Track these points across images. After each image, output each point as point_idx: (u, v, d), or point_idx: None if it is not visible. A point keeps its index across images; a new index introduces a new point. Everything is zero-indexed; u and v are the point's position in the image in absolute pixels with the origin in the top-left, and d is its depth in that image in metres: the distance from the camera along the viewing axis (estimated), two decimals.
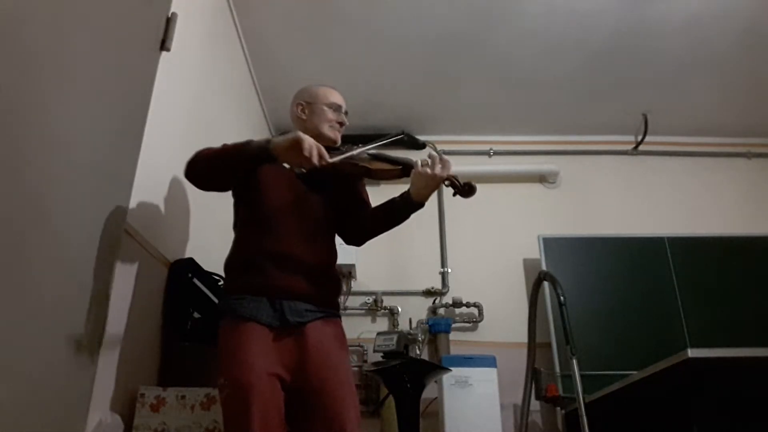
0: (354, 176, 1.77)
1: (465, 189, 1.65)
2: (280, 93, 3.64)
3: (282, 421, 1.48)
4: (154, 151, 1.92)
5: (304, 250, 1.63)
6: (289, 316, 1.56)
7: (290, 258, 1.61)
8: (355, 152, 1.66)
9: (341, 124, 1.84)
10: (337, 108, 1.83)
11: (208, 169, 1.63)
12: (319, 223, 1.71)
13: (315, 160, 1.47)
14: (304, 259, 1.62)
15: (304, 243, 1.64)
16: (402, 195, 1.68)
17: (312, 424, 1.49)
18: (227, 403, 1.47)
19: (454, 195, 1.68)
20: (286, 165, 1.61)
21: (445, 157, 1.64)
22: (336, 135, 1.82)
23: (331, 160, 1.53)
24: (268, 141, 1.53)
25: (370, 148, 1.73)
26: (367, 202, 1.85)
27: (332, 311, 1.66)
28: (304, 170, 1.54)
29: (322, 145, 1.78)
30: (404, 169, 1.69)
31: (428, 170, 1.60)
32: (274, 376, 1.48)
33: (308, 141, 1.48)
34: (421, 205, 1.66)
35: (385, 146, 1.76)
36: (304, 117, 1.83)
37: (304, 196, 1.70)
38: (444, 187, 1.66)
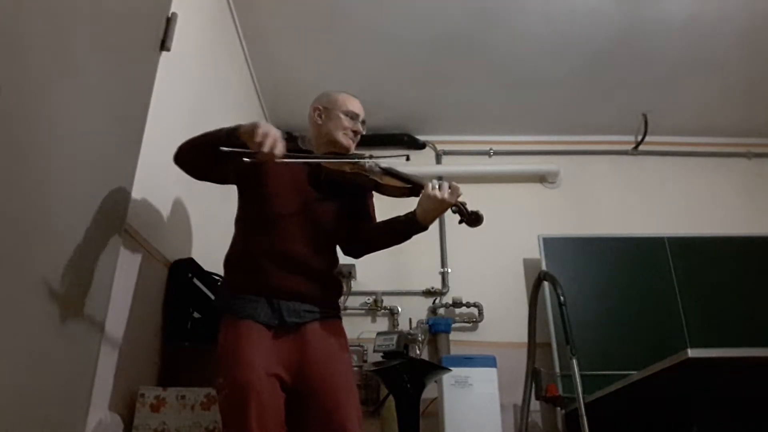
0: (362, 188, 1.74)
1: (472, 218, 1.63)
2: (280, 93, 3.64)
3: (281, 421, 1.46)
4: (154, 151, 1.92)
5: (305, 253, 1.62)
6: (287, 317, 1.55)
7: (291, 259, 1.59)
8: (343, 160, 1.64)
9: (356, 132, 1.81)
10: (353, 116, 1.81)
11: (191, 155, 1.62)
12: (323, 229, 1.68)
13: (266, 148, 1.41)
14: (304, 262, 1.61)
15: (307, 246, 1.62)
16: (407, 215, 1.65)
17: (313, 426, 1.48)
18: (225, 403, 1.45)
19: (460, 222, 1.65)
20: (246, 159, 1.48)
21: (455, 183, 1.62)
22: (349, 143, 1.80)
23: (285, 159, 1.47)
24: (237, 126, 1.51)
25: (381, 160, 1.72)
26: (372, 217, 1.83)
27: (332, 312, 1.65)
28: (246, 159, 1.43)
29: (335, 151, 1.77)
30: (413, 189, 1.67)
31: (438, 194, 1.58)
32: (273, 377, 1.47)
33: (264, 128, 1.43)
34: (425, 227, 1.64)
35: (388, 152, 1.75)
36: (319, 122, 1.82)
37: (312, 200, 1.68)
38: (451, 212, 1.64)
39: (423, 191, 1.62)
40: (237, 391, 1.42)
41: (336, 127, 1.79)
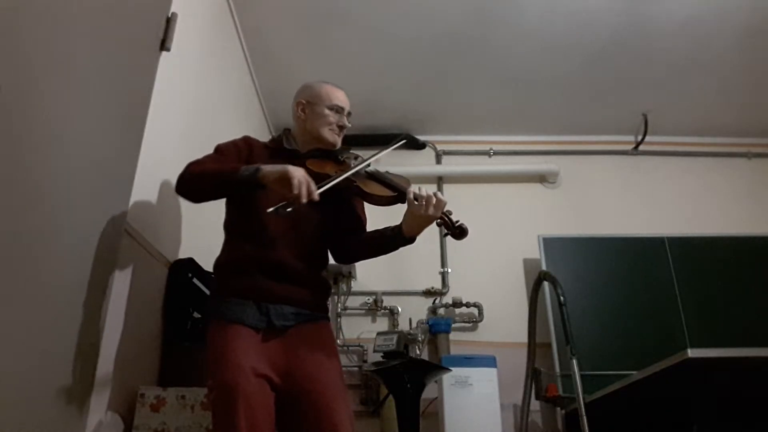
0: (348, 192, 1.70)
1: (456, 231, 1.60)
2: (280, 93, 3.64)
3: (272, 422, 1.46)
4: (154, 151, 1.92)
5: (291, 258, 1.61)
6: (275, 320, 1.55)
7: (277, 266, 1.59)
8: (349, 173, 1.60)
9: (342, 127, 1.76)
10: (339, 110, 1.76)
11: (197, 188, 1.62)
12: (311, 234, 1.67)
13: (303, 198, 1.41)
14: (291, 267, 1.60)
15: (292, 252, 1.61)
16: (393, 228, 1.63)
17: (304, 426, 1.48)
18: (215, 404, 1.45)
19: (445, 236, 1.63)
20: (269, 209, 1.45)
21: (440, 195, 1.57)
22: (336, 139, 1.75)
23: (319, 192, 1.46)
24: (257, 169, 1.49)
25: (369, 161, 1.68)
26: (362, 222, 1.79)
27: (320, 314, 1.65)
28: (288, 210, 1.42)
29: (321, 148, 1.74)
30: (398, 197, 1.64)
31: (422, 210, 1.54)
32: (262, 377, 1.46)
33: (298, 176, 1.43)
34: (411, 240, 1.61)
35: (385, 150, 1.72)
36: (303, 117, 1.78)
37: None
38: (436, 225, 1.61)
39: (407, 207, 1.58)
40: (225, 393, 1.41)
41: (321, 123, 1.74)
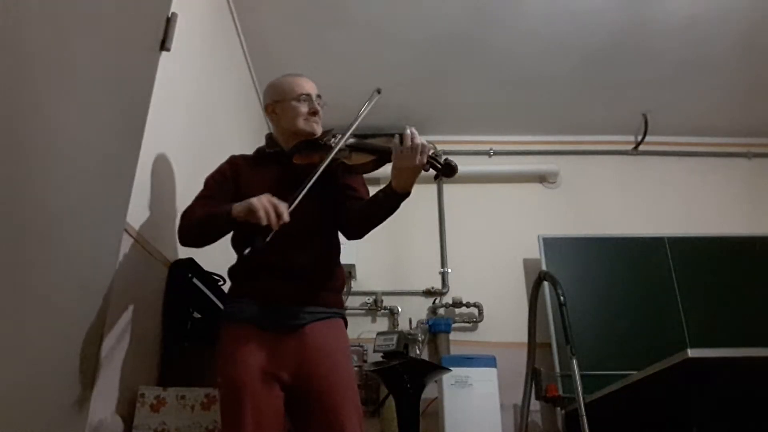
0: (336, 174, 1.67)
1: (446, 171, 1.51)
2: None
3: (279, 420, 1.47)
4: (154, 151, 1.92)
5: (296, 256, 1.60)
6: (285, 320, 1.55)
7: (282, 266, 1.58)
8: (329, 158, 1.56)
9: (315, 113, 1.73)
10: (306, 98, 1.73)
11: (196, 239, 1.66)
12: (311, 226, 1.64)
13: (274, 225, 1.38)
14: (297, 265, 1.60)
15: (296, 249, 1.60)
16: (385, 189, 1.53)
17: (313, 425, 1.49)
18: (223, 402, 1.48)
19: (436, 178, 1.55)
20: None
21: (419, 140, 1.47)
22: (313, 127, 1.72)
23: (290, 210, 1.42)
24: (229, 211, 1.49)
25: (348, 136, 1.64)
26: (358, 192, 1.72)
27: (332, 312, 1.64)
28: (265, 241, 1.39)
29: (304, 140, 1.70)
30: (381, 156, 1.59)
31: (405, 162, 1.46)
32: (270, 376, 1.48)
33: (262, 205, 1.40)
34: (406, 194, 1.52)
35: (374, 135, 1.69)
36: (276, 118, 1.76)
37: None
38: (424, 171, 1.52)
39: (392, 162, 1.51)
40: (232, 390, 1.44)
41: (293, 116, 1.71)
